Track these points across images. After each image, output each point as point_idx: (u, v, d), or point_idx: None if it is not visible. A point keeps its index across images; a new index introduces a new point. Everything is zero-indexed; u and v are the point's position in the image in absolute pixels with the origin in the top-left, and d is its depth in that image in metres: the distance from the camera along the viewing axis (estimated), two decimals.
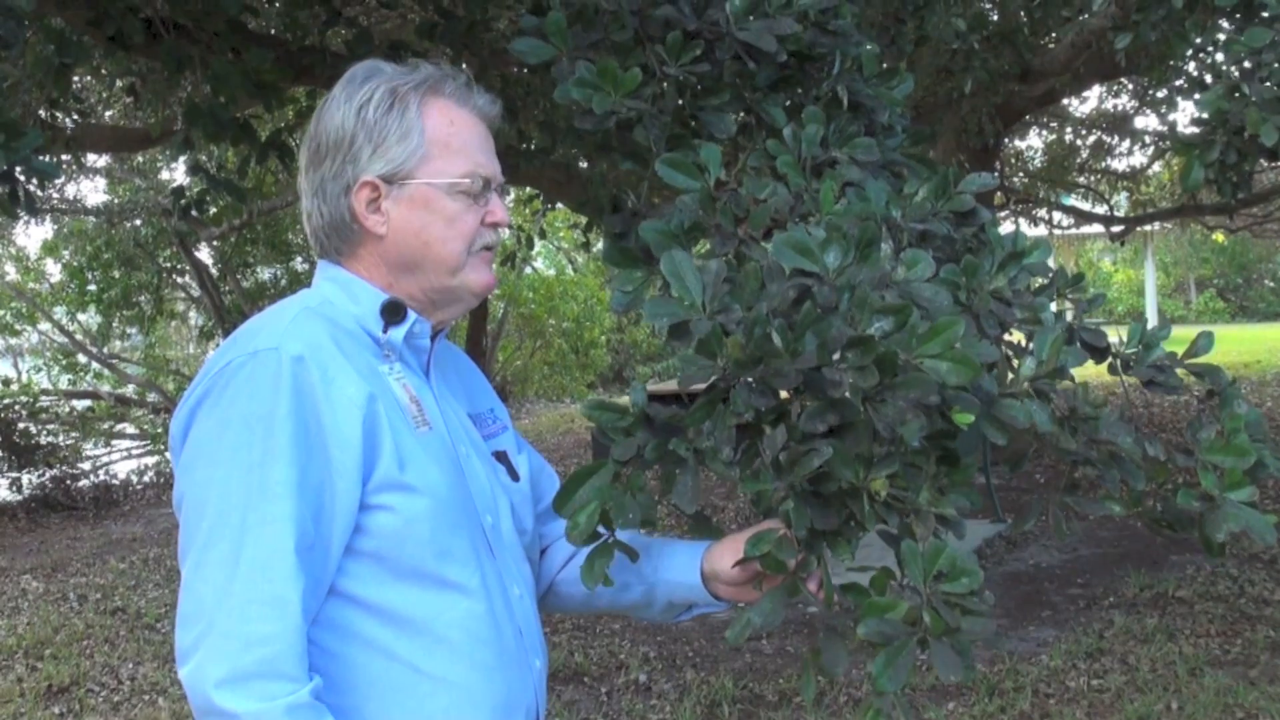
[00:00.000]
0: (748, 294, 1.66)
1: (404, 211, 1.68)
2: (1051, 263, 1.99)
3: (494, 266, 1.76)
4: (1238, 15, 3.87)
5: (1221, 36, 4.22)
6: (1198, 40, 4.26)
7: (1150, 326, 1.98)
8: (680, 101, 2.22)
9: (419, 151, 1.67)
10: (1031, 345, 1.80)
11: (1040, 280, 1.95)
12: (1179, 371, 1.94)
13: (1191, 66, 4.21)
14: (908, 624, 1.58)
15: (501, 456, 1.81)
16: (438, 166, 1.67)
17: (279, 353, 1.54)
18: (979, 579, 1.58)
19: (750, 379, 1.59)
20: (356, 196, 1.68)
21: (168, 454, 14.56)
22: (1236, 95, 3.62)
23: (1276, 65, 3.57)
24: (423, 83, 1.70)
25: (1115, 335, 1.99)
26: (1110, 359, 1.97)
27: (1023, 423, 1.68)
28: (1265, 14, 3.65)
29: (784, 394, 1.62)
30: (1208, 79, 3.88)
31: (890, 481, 1.61)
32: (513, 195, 17.93)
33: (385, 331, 1.67)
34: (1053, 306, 1.93)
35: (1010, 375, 1.78)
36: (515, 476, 1.82)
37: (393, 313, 1.67)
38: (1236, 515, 1.82)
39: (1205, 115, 3.70)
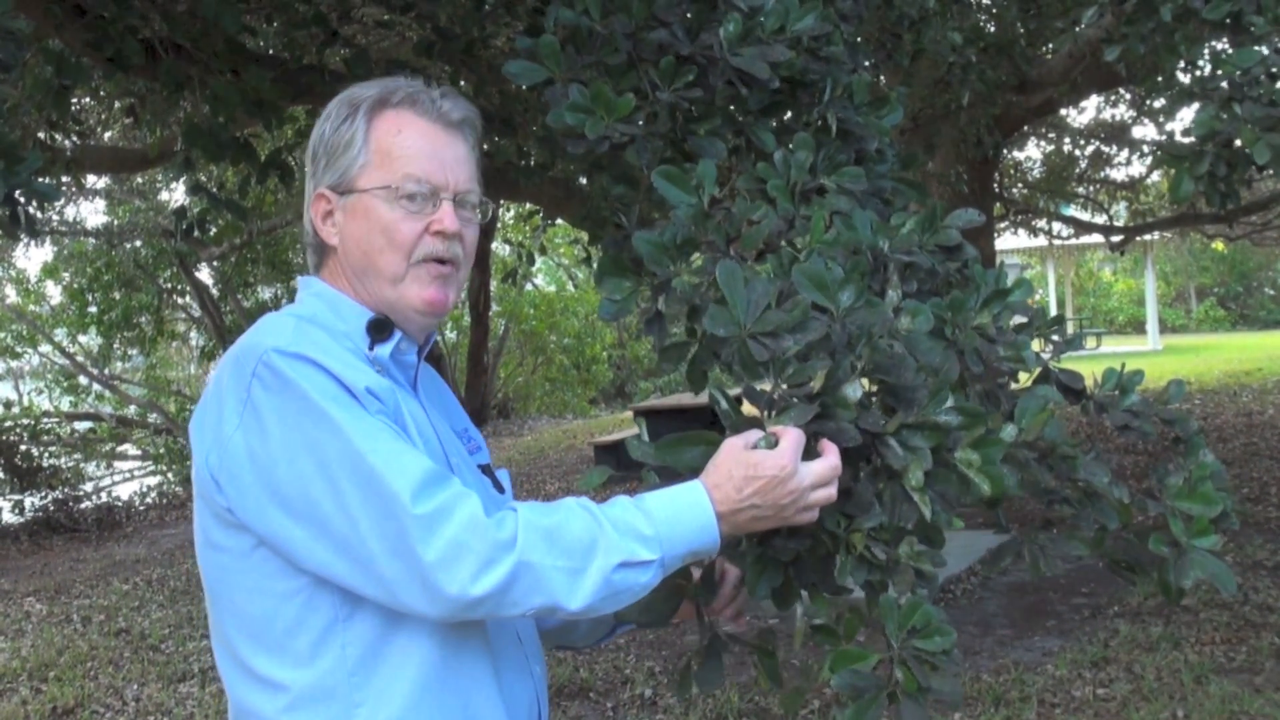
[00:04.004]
0: (791, 322, 1.65)
1: (348, 221, 1.68)
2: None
3: (449, 285, 1.69)
4: (1227, 27, 3.87)
5: (1214, 44, 4.23)
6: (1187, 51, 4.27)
7: (1126, 371, 2.00)
8: (672, 125, 2.22)
9: (359, 160, 1.67)
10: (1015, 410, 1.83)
11: (1021, 319, 1.97)
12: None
13: (1185, 78, 4.21)
14: (880, 676, 1.60)
15: (487, 470, 1.82)
16: (377, 175, 1.66)
17: (292, 348, 1.54)
18: (953, 638, 1.60)
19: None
20: (314, 209, 1.70)
21: (169, 474, 14.57)
22: (1227, 113, 3.61)
23: (1265, 80, 3.57)
24: (380, 94, 1.70)
25: (1091, 378, 2.00)
26: (1086, 401, 1.99)
27: (991, 492, 1.68)
28: (1253, 30, 3.65)
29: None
30: (1199, 90, 3.88)
31: (870, 535, 1.62)
32: (513, 211, 18.01)
33: (372, 349, 1.66)
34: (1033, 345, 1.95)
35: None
36: (501, 489, 1.83)
37: (379, 330, 1.66)
38: (1202, 563, 1.84)
39: (1199, 134, 3.70)
